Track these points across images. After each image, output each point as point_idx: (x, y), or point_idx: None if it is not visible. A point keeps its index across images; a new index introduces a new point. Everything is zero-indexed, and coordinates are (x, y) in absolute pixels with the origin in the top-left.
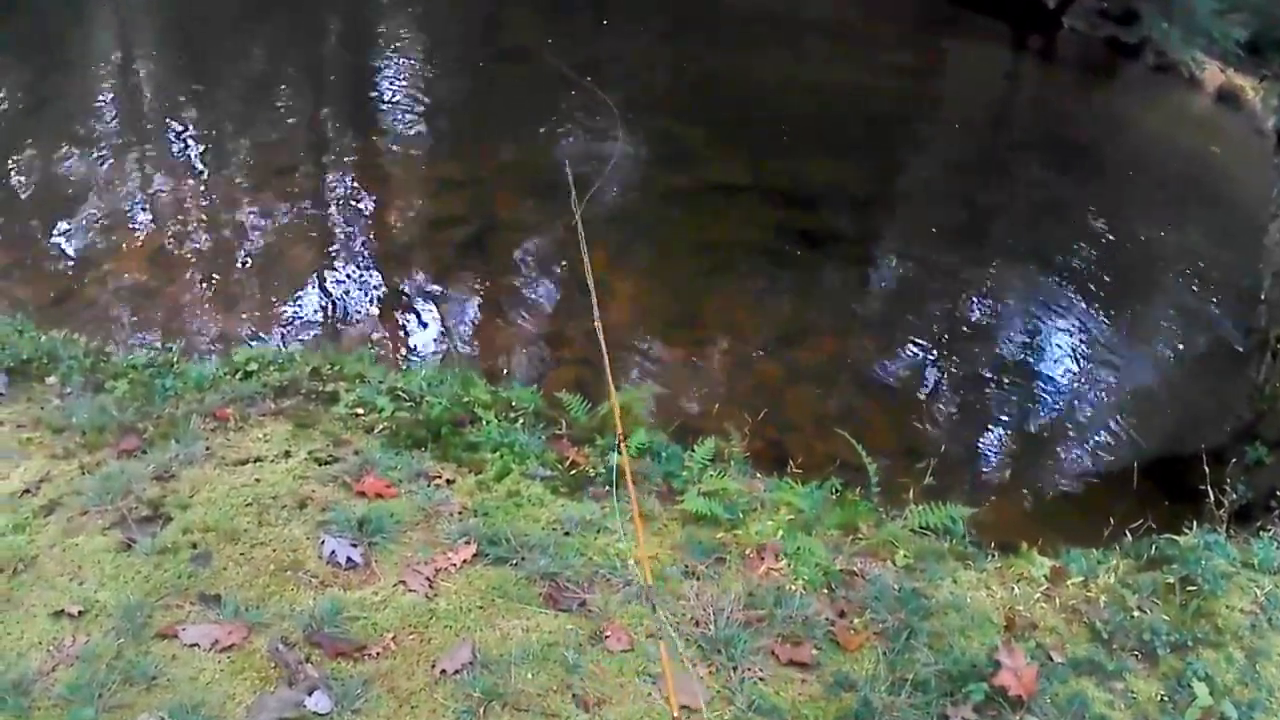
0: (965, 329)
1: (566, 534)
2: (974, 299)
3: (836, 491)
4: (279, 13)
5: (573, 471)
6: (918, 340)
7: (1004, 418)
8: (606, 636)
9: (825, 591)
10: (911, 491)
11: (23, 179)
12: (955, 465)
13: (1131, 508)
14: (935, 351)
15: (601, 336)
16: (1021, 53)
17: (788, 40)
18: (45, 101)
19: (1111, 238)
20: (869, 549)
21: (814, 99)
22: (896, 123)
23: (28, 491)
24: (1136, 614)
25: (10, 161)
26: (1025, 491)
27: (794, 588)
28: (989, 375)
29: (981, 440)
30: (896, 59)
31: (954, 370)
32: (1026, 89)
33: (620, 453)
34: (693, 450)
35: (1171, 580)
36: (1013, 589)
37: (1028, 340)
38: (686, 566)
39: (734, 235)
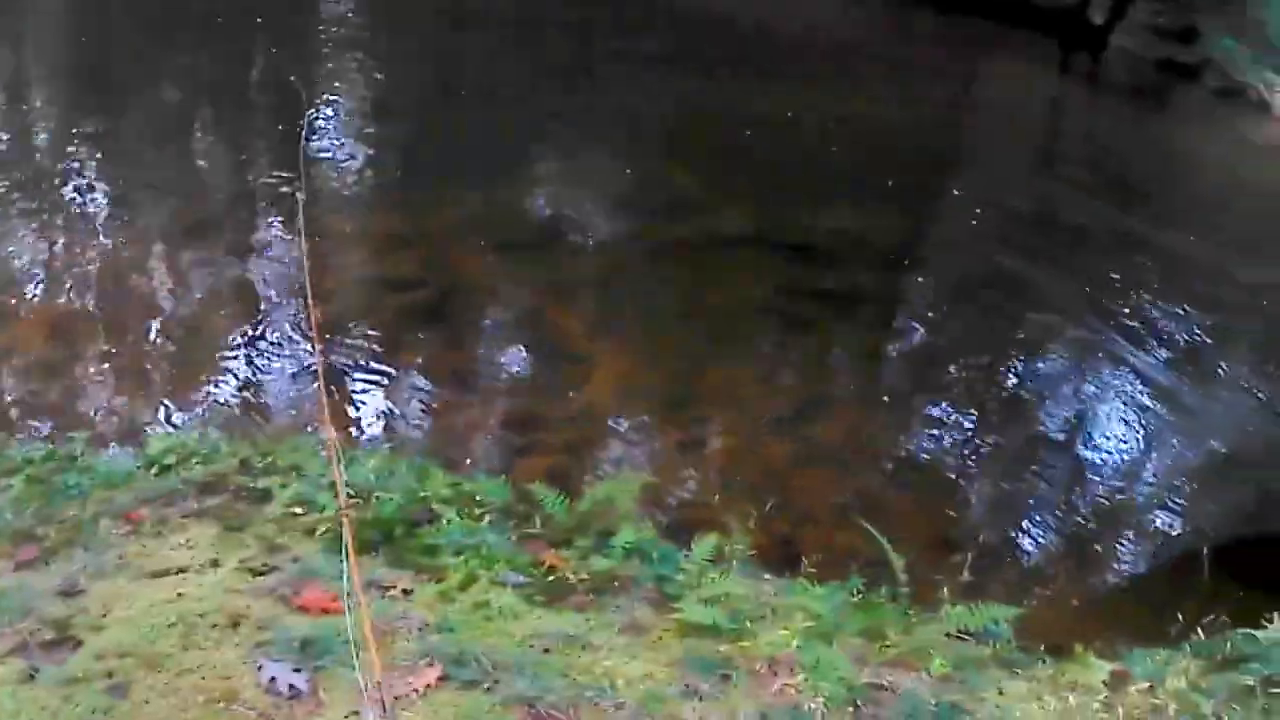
0: (1006, 398)
1: (546, 651)
2: (1016, 364)
3: (859, 592)
4: (196, 32)
5: (550, 578)
6: (951, 414)
7: (1052, 500)
8: None
9: (850, 709)
10: (946, 590)
11: None
12: (996, 557)
13: (1202, 600)
14: (971, 426)
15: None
16: (1066, 75)
17: (800, 68)
18: None
19: (1174, 289)
20: (899, 658)
21: (830, 135)
22: (927, 161)
23: None
24: None
25: None
26: (1078, 585)
27: (813, 706)
28: (1034, 451)
29: (1026, 527)
30: (926, 87)
31: (993, 447)
32: (1073, 117)
33: (340, 503)
34: (689, 550)
35: (1251, 682)
36: (1068, 699)
37: (1079, 410)
38: (687, 685)
39: (737, 296)
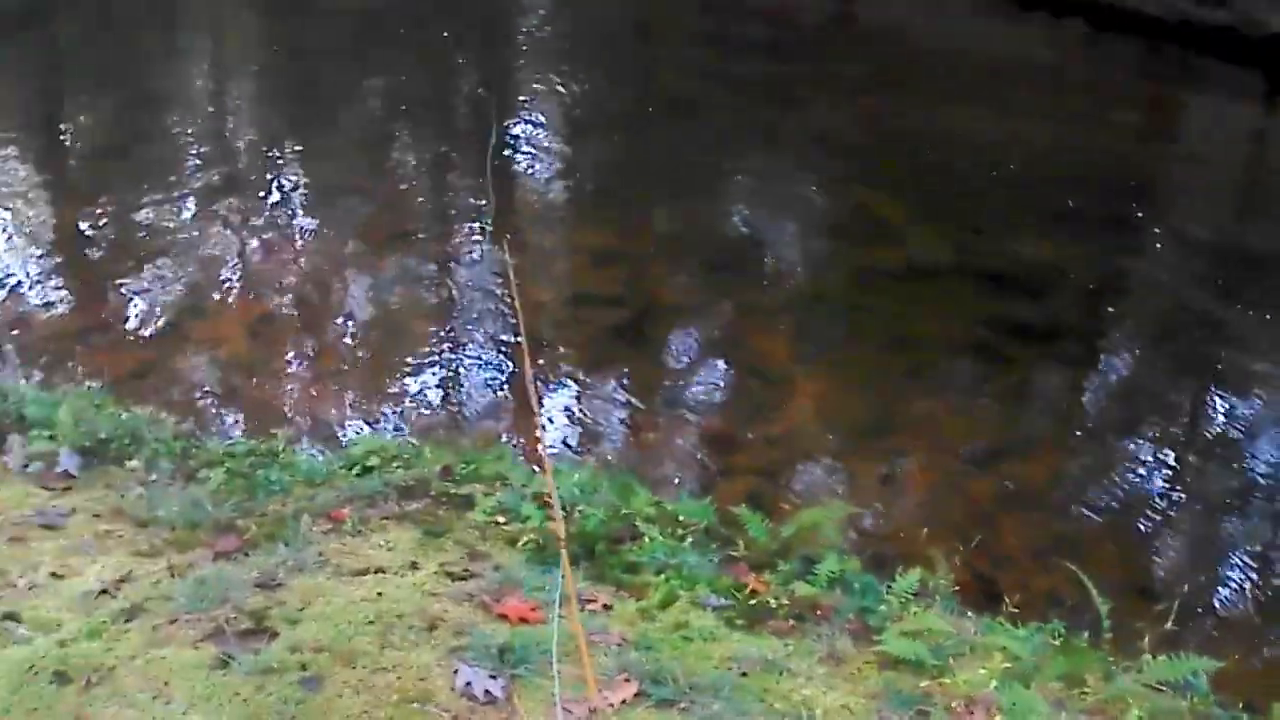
0: (1207, 443)
1: (744, 675)
2: (1218, 407)
3: (1059, 636)
4: (396, 45)
5: (751, 601)
6: (1154, 457)
7: (1253, 551)
8: None
9: None
10: (1146, 639)
11: (101, 232)
12: (1194, 606)
13: None
14: (1175, 470)
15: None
16: (1273, 108)
17: (997, 93)
18: (127, 142)
19: None
20: (1096, 706)
21: (1028, 163)
22: (1126, 193)
23: (105, 592)
24: None
25: (87, 211)
26: (1278, 640)
27: None
28: (1236, 500)
29: (1225, 577)
30: (1124, 116)
31: (1194, 493)
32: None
33: (560, 537)
34: (892, 582)
35: None
36: None
37: None
38: (883, 719)
39: (936, 326)
